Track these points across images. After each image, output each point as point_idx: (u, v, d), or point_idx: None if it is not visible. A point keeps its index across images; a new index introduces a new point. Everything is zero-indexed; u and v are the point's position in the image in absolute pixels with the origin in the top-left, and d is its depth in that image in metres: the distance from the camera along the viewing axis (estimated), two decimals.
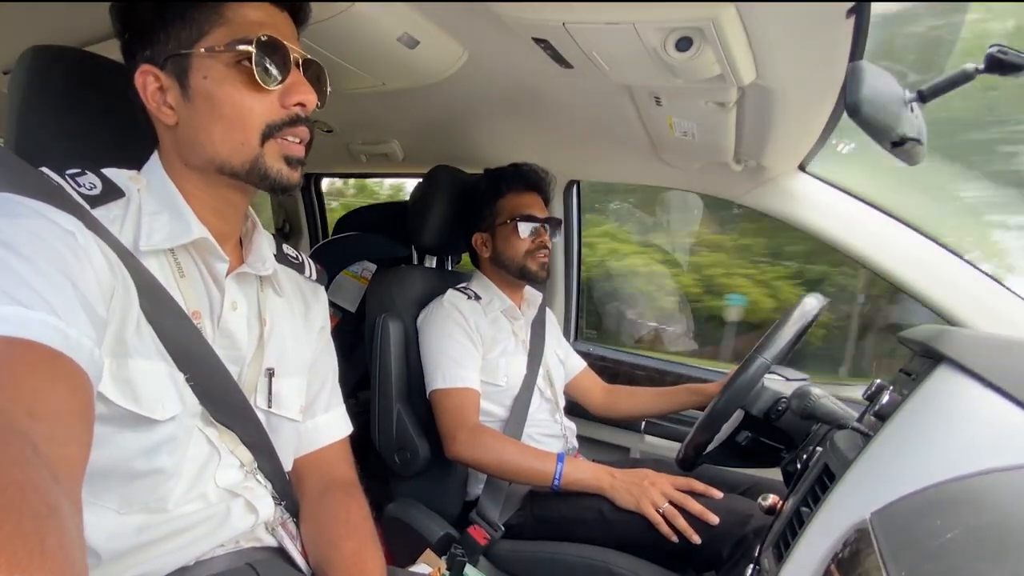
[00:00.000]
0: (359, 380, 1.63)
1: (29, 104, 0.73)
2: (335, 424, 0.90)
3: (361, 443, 0.97)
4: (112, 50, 0.73)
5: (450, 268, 1.88)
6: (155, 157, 0.72)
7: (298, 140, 0.69)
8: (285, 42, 0.66)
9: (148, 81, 0.67)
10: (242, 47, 0.64)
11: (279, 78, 0.66)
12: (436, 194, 1.47)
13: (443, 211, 1.47)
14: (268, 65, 0.65)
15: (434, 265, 1.83)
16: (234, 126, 0.65)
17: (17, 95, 0.72)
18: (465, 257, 1.79)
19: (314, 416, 0.87)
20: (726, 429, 1.21)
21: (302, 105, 0.68)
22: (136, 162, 0.72)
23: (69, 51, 0.75)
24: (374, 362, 1.40)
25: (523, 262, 1.40)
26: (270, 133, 0.67)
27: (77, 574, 0.33)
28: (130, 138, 0.75)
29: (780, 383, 1.18)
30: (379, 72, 1.24)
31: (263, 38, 0.64)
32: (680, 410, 1.53)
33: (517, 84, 1.29)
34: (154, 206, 0.68)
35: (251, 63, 0.64)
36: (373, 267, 1.95)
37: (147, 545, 0.64)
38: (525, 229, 1.40)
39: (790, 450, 1.16)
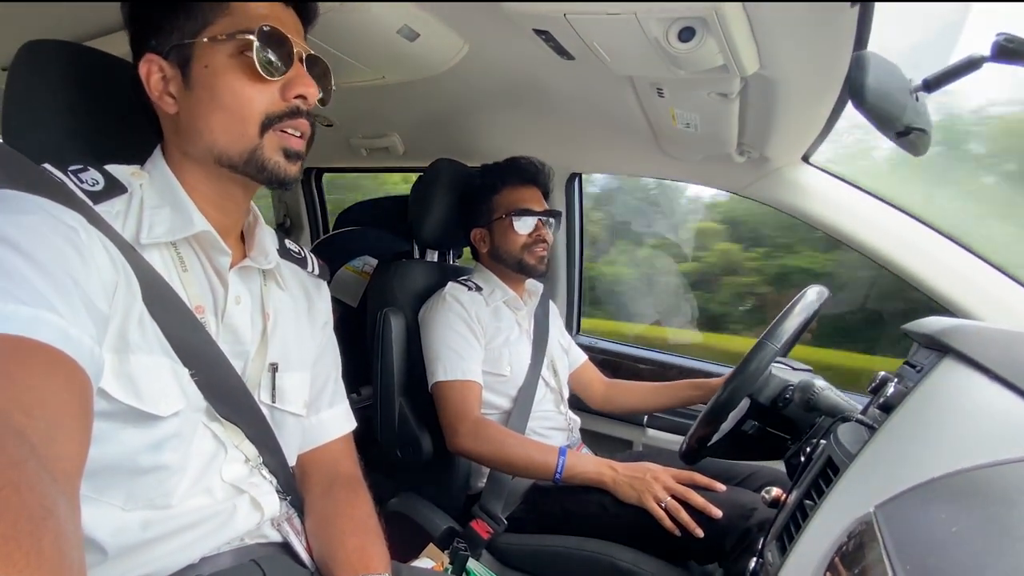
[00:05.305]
0: (360, 375, 1.63)
1: (27, 99, 0.72)
2: (339, 420, 0.90)
3: (363, 437, 0.97)
4: (111, 45, 0.73)
5: (452, 262, 1.87)
6: (158, 151, 0.72)
7: (298, 134, 0.69)
8: (288, 35, 0.67)
9: (152, 70, 0.67)
10: (244, 36, 0.64)
11: (281, 70, 0.66)
12: (437, 188, 1.46)
13: (444, 205, 1.46)
14: (270, 56, 0.65)
15: (436, 259, 1.83)
16: (233, 116, 0.66)
17: (15, 90, 0.72)
18: (466, 251, 1.79)
19: (318, 412, 0.87)
20: (733, 418, 1.20)
21: (303, 98, 0.68)
22: (135, 157, 0.71)
23: (67, 46, 0.75)
24: (376, 356, 1.39)
25: (520, 256, 1.40)
26: (269, 124, 0.67)
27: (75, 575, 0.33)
28: (129, 133, 0.75)
29: (787, 372, 1.17)
30: (379, 65, 1.23)
31: (265, 28, 0.65)
32: (681, 405, 1.53)
33: (518, 76, 1.28)
34: (156, 200, 0.68)
35: (252, 53, 0.64)
36: (374, 262, 1.94)
37: (153, 542, 0.64)
38: (522, 224, 1.39)
39: (796, 440, 1.15)
